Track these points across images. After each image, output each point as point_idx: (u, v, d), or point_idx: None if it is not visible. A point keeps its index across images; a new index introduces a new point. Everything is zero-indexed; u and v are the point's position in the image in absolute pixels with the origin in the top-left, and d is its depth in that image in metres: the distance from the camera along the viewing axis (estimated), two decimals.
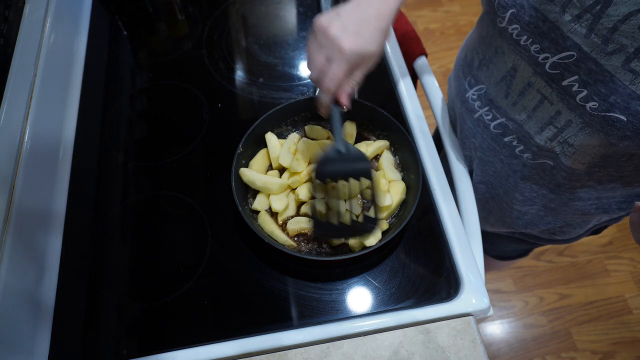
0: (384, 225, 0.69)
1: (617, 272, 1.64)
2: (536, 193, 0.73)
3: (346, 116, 0.78)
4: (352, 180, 0.65)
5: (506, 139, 0.69)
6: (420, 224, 0.72)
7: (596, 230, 0.85)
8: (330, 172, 0.63)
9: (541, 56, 0.55)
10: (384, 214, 0.70)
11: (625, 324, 1.55)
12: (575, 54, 0.51)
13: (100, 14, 1.01)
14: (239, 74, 0.91)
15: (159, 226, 0.74)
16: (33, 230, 0.68)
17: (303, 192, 0.71)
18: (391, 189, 0.71)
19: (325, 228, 0.64)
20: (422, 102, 0.86)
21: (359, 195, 0.71)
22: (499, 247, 1.08)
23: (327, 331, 0.63)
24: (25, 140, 0.71)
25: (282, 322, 0.64)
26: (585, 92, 0.52)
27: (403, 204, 0.72)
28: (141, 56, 0.96)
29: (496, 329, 1.56)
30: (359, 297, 0.66)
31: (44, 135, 0.76)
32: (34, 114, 0.74)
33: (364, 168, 0.63)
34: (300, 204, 0.72)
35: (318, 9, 0.65)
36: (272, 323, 0.64)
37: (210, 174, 0.78)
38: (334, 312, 0.65)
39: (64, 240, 0.72)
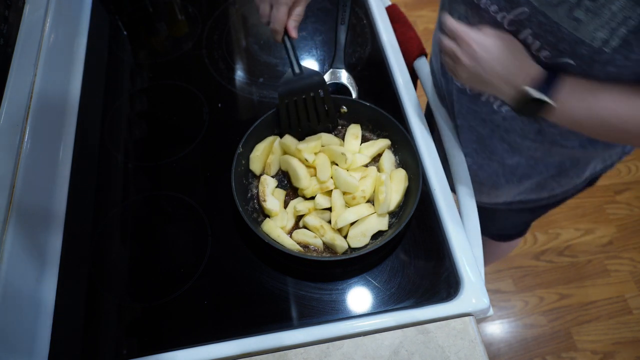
0: (384, 226, 0.69)
1: (617, 272, 1.64)
2: (520, 145, 0.76)
3: (349, 117, 0.80)
4: (313, 95, 0.75)
5: (483, 98, 0.73)
6: (420, 224, 0.72)
7: (592, 181, 0.88)
8: (291, 90, 0.74)
9: (499, 15, 0.59)
10: (391, 207, 0.70)
11: (626, 324, 1.54)
12: (527, 9, 0.55)
13: (100, 14, 1.01)
14: (239, 74, 0.91)
15: (159, 226, 0.74)
16: (33, 230, 0.68)
17: (301, 205, 0.70)
18: (393, 178, 0.72)
19: (291, 124, 0.76)
20: (422, 102, 0.86)
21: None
22: (499, 222, 1.07)
23: (327, 331, 0.63)
24: (25, 139, 0.71)
25: (282, 322, 0.64)
26: (538, 43, 0.57)
27: (403, 205, 0.72)
28: (141, 56, 0.96)
29: (496, 329, 1.56)
30: (358, 297, 0.66)
31: (44, 136, 0.76)
32: (34, 114, 0.74)
33: (319, 81, 0.74)
34: (298, 216, 0.71)
35: None
36: (272, 323, 0.64)
37: (210, 174, 0.78)
38: (334, 312, 0.65)
39: (64, 240, 0.72)
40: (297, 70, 0.74)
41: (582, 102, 0.57)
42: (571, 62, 0.55)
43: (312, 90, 0.74)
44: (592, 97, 0.56)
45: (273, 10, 0.71)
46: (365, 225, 0.68)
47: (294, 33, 0.73)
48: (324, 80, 0.75)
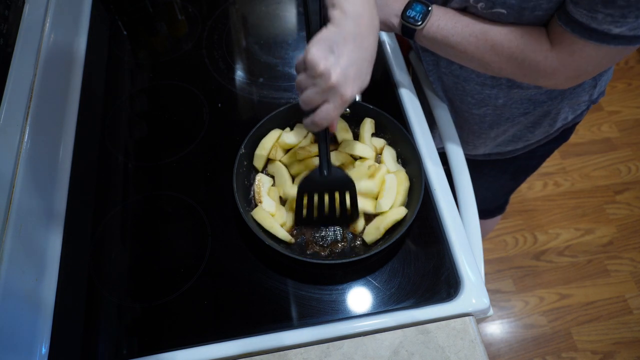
0: (399, 215, 0.69)
1: (617, 272, 1.64)
2: (481, 94, 0.80)
3: (352, 120, 0.80)
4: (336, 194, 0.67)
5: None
6: (420, 224, 0.72)
7: (565, 132, 0.91)
8: (313, 186, 0.66)
9: None
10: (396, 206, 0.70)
11: (626, 324, 1.55)
12: None
13: (100, 14, 1.01)
14: (239, 74, 0.91)
15: (159, 226, 0.74)
16: (33, 230, 0.68)
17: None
18: (394, 178, 0.72)
19: (306, 221, 0.67)
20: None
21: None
22: (480, 192, 1.09)
23: (327, 331, 0.63)
24: (25, 140, 0.71)
25: (282, 322, 0.64)
26: None
27: (406, 206, 0.72)
28: (141, 56, 0.96)
29: (496, 329, 1.56)
30: (359, 297, 0.66)
31: (44, 135, 0.76)
32: (34, 114, 0.74)
33: (347, 183, 0.66)
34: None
35: (307, 28, 0.63)
36: (272, 323, 0.64)
37: (210, 174, 0.78)
38: (334, 312, 0.65)
39: (64, 240, 0.72)
40: (325, 172, 0.65)
41: (448, 22, 0.68)
42: (503, 11, 0.63)
43: (338, 190, 0.67)
44: (456, 19, 0.68)
45: (328, 105, 0.57)
46: (379, 219, 0.68)
47: (335, 127, 0.64)
48: (353, 183, 0.66)
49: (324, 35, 0.56)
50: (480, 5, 0.64)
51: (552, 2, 0.59)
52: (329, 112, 0.58)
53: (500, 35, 0.65)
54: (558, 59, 0.63)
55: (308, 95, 0.58)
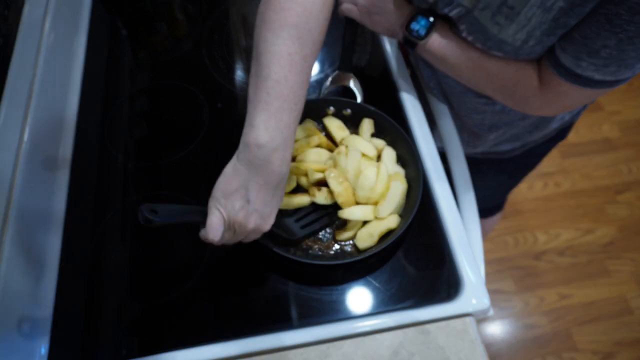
0: (393, 224, 0.69)
1: (618, 273, 1.64)
2: (479, 102, 0.81)
3: (353, 121, 0.79)
4: None
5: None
6: (420, 224, 0.72)
7: (563, 131, 0.93)
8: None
9: (445, 9, 0.67)
10: (392, 210, 0.70)
11: (626, 325, 1.54)
12: (463, 9, 0.63)
13: (100, 14, 1.01)
14: (239, 74, 0.91)
15: (159, 226, 0.74)
16: (33, 230, 0.68)
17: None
18: (394, 180, 0.71)
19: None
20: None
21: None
22: (479, 192, 1.10)
23: (327, 331, 0.63)
24: (25, 140, 0.71)
25: (282, 322, 0.64)
26: (471, 37, 0.66)
27: (404, 207, 0.71)
28: (141, 56, 0.96)
29: (496, 329, 1.56)
30: (359, 297, 0.66)
31: (44, 135, 0.76)
32: (33, 114, 0.74)
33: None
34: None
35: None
36: (272, 323, 0.64)
37: (210, 174, 0.78)
38: (334, 312, 0.65)
39: (63, 240, 0.72)
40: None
41: (450, 42, 0.69)
42: (500, 54, 0.65)
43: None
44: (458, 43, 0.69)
45: (251, 236, 0.61)
46: (373, 225, 0.68)
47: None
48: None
49: (233, 183, 0.58)
50: (477, 45, 0.66)
51: (546, 48, 0.62)
52: (251, 239, 0.61)
53: (497, 66, 0.67)
54: (545, 99, 0.67)
55: (224, 240, 0.60)
